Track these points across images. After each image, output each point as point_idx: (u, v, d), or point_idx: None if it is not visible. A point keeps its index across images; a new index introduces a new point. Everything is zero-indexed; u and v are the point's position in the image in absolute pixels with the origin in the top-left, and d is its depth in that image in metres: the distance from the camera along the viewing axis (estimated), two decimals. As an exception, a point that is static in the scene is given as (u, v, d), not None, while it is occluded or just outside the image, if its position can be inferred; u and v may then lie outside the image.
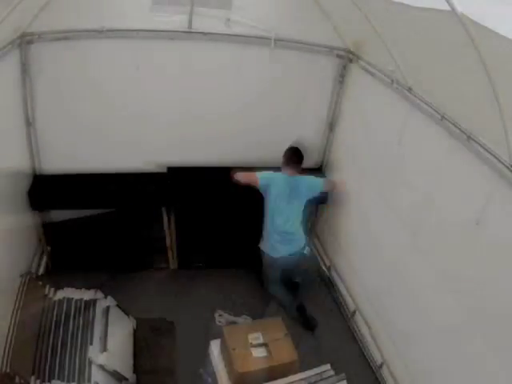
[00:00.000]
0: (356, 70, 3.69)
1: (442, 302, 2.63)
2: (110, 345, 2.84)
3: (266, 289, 3.83)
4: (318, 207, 4.29)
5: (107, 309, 3.06)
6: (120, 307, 3.20)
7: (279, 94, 3.83)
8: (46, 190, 3.57)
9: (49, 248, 3.80)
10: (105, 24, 3.18)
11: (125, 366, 2.91)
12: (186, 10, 3.28)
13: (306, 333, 3.57)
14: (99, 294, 3.18)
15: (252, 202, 3.88)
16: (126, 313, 3.25)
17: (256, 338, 2.94)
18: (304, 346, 3.33)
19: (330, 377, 2.81)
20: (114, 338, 2.94)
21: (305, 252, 3.69)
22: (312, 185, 3.62)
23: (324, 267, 4.24)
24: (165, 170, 3.93)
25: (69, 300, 3.05)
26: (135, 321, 3.30)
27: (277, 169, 4.08)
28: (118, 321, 3.12)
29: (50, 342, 2.74)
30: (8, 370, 2.34)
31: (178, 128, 3.80)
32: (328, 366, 2.89)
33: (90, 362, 2.68)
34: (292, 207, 3.56)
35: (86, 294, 3.16)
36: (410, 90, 2.93)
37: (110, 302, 3.12)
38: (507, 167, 2.12)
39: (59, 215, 3.74)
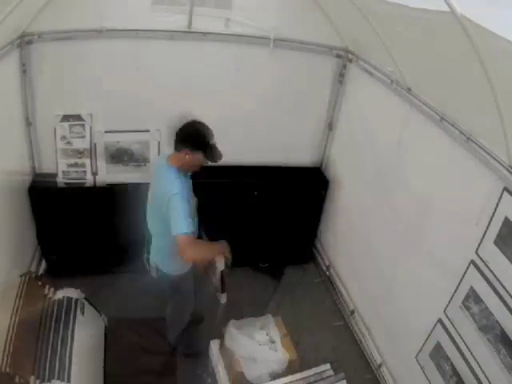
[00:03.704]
0: (355, 69, 3.68)
1: (441, 302, 2.64)
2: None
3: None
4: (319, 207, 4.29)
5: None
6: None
7: (279, 93, 3.82)
8: (46, 188, 3.55)
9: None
10: (105, 24, 3.17)
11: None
12: (185, 9, 3.28)
13: (305, 332, 3.57)
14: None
15: (251, 201, 3.89)
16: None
17: (256, 337, 2.95)
18: (303, 346, 3.34)
19: (329, 376, 2.81)
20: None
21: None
22: None
23: (324, 266, 4.24)
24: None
25: (69, 299, 3.06)
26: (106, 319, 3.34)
27: (276, 168, 4.09)
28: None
29: (49, 341, 2.74)
30: (8, 370, 2.34)
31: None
32: (327, 366, 2.90)
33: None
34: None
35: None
36: (409, 90, 2.93)
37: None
38: (506, 168, 2.13)
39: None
